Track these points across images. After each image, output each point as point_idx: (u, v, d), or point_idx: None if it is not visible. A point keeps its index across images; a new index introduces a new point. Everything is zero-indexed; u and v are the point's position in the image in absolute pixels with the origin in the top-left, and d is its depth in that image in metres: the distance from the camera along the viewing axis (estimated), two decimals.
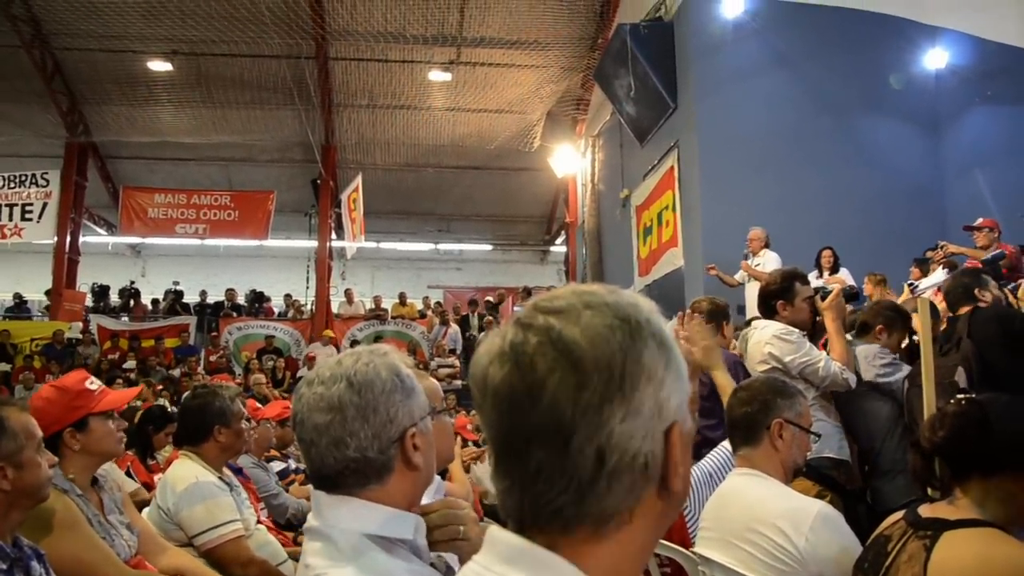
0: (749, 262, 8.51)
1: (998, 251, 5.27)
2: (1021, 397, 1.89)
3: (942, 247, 7.27)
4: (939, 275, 7.52)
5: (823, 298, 3.65)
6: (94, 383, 2.67)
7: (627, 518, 0.78)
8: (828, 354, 3.52)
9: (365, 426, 1.35)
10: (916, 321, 3.81)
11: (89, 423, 2.58)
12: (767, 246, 8.54)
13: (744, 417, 2.42)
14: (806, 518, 2.11)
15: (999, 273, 4.83)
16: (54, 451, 2.31)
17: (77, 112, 16.39)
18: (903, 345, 4.04)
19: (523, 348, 0.78)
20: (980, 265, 5.78)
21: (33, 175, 15.64)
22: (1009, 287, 4.61)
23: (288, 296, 18.00)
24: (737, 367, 4.02)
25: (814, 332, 3.85)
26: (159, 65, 15.04)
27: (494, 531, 0.82)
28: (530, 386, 0.76)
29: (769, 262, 8.22)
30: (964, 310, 3.66)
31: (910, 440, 2.04)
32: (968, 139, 9.88)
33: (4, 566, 1.92)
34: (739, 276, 8.79)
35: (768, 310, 3.71)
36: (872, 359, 3.76)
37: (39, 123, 16.27)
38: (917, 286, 7.03)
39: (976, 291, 3.70)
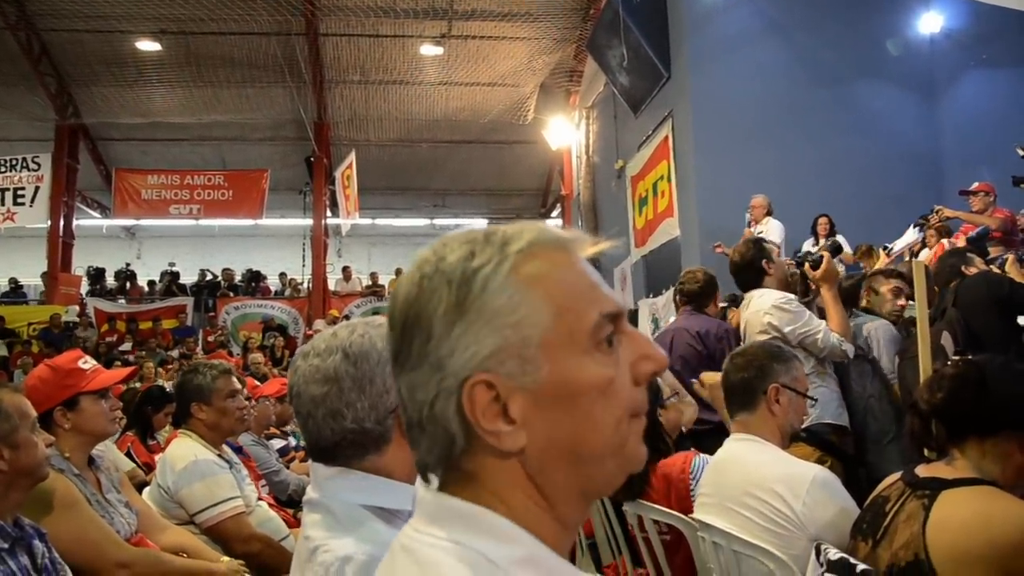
0: (751, 230, 8.50)
1: (982, 227, 5.29)
2: (1016, 358, 1.91)
3: (938, 211, 7.27)
4: (911, 234, 7.54)
5: (814, 265, 3.63)
6: (87, 362, 2.66)
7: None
8: (826, 324, 3.52)
9: (362, 397, 1.34)
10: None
11: (80, 402, 2.58)
12: (769, 214, 8.53)
13: (741, 383, 2.42)
14: (803, 482, 2.12)
15: (985, 250, 4.87)
16: (46, 430, 2.31)
17: (66, 94, 16.28)
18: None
19: None
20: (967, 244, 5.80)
21: (24, 159, 15.57)
22: (997, 262, 4.63)
23: (283, 275, 17.99)
24: (730, 336, 4.04)
25: (807, 292, 3.86)
26: (147, 45, 14.91)
27: (421, 492, 0.80)
28: None
29: (772, 230, 8.22)
30: (953, 284, 3.70)
31: (907, 403, 2.04)
32: (964, 103, 9.84)
33: (6, 545, 1.93)
34: (750, 237, 8.78)
35: (754, 275, 3.69)
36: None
37: (28, 106, 16.15)
38: (892, 249, 7.04)
39: (962, 268, 3.75)
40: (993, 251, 5.64)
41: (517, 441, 0.74)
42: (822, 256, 3.63)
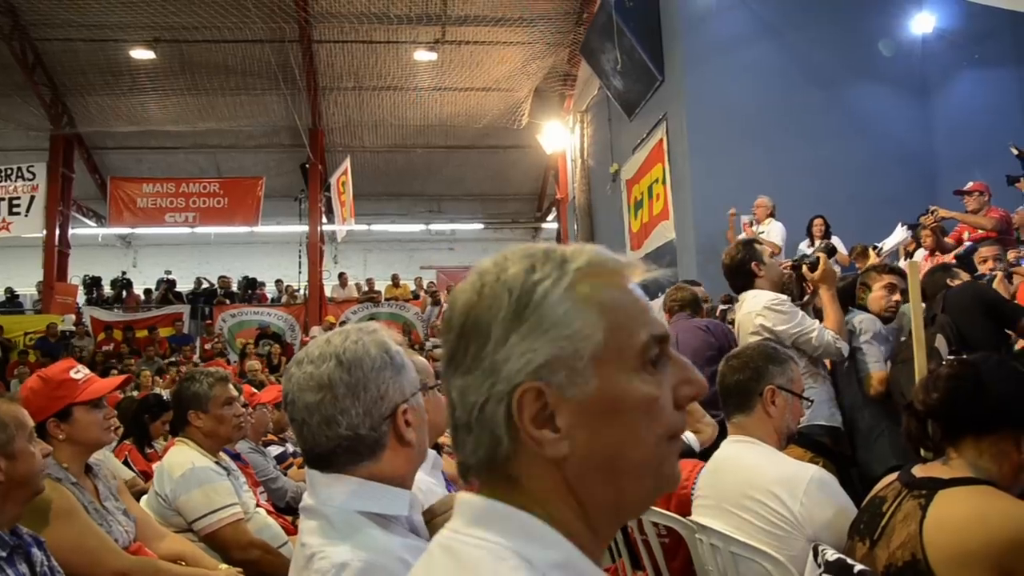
0: (753, 229, 8.53)
1: (969, 244, 5.33)
2: (1011, 358, 1.91)
3: (933, 212, 7.28)
4: (899, 233, 7.55)
5: (811, 268, 3.64)
6: (79, 372, 2.64)
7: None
8: (821, 323, 3.52)
9: (356, 403, 1.35)
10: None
11: (73, 412, 2.57)
12: (772, 215, 8.56)
13: (736, 385, 2.42)
14: (800, 483, 2.12)
15: (973, 267, 4.91)
16: (42, 440, 2.30)
17: (60, 104, 16.27)
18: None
19: None
20: (955, 261, 5.82)
21: (19, 168, 15.57)
22: (984, 279, 4.66)
23: (279, 282, 17.97)
24: (732, 334, 4.04)
25: (803, 294, 3.86)
26: (141, 53, 14.89)
27: (462, 496, 0.83)
28: None
29: (773, 231, 8.25)
30: (939, 296, 3.73)
31: (903, 404, 2.04)
32: (957, 103, 9.87)
33: (4, 553, 1.92)
34: (742, 238, 8.80)
35: (744, 278, 3.69)
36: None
37: (22, 116, 16.12)
38: (882, 248, 7.05)
39: (947, 280, 3.79)
40: (988, 251, 5.64)
41: (560, 449, 0.77)
42: (818, 258, 3.64)
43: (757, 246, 3.73)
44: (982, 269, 5.40)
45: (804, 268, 3.69)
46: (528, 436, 0.76)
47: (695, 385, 0.83)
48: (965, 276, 3.99)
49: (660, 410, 0.79)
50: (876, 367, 3.55)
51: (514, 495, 0.79)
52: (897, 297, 3.78)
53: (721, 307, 6.93)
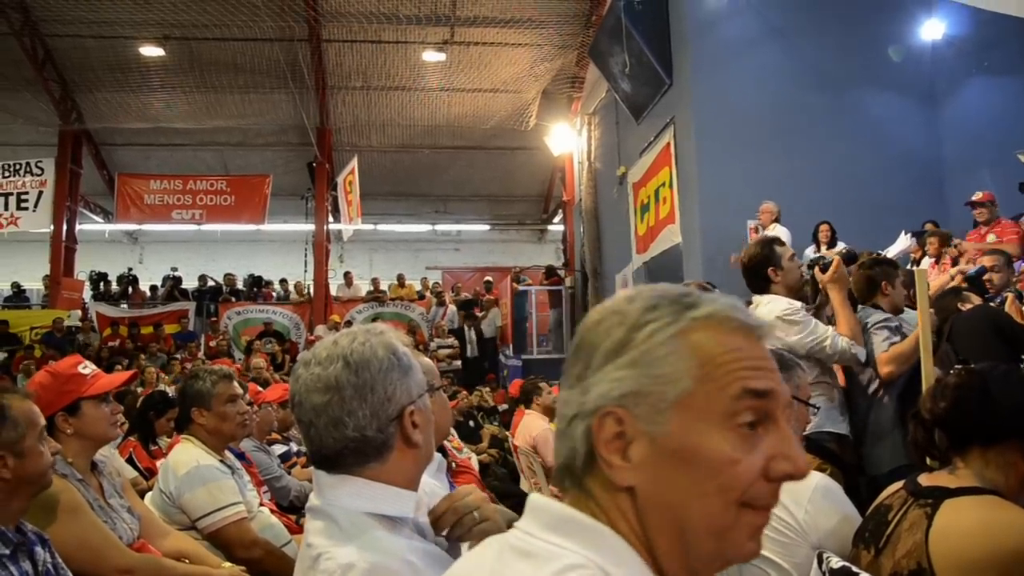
0: (759, 235, 8.52)
1: (980, 267, 5.27)
2: (1018, 367, 1.90)
3: (956, 245, 7.13)
4: (903, 240, 7.51)
5: (823, 269, 3.62)
6: (87, 367, 2.66)
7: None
8: (834, 328, 3.50)
9: (363, 405, 1.35)
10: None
11: (81, 407, 2.58)
12: (777, 220, 8.55)
13: None
14: (805, 490, 2.12)
15: (983, 288, 4.87)
16: (49, 435, 2.31)
17: (69, 99, 16.31)
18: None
19: None
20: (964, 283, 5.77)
21: (27, 164, 15.61)
22: (997, 300, 4.63)
23: (284, 281, 17.99)
24: None
25: (815, 298, 3.82)
26: (151, 50, 14.93)
27: (537, 499, 0.87)
28: None
29: (779, 236, 8.22)
30: (949, 320, 3.71)
31: (910, 412, 2.04)
32: (965, 110, 9.84)
33: (7, 551, 1.93)
34: (762, 237, 8.79)
35: (761, 281, 3.66)
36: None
37: (32, 111, 16.17)
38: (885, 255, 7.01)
39: (958, 305, 3.76)
40: (989, 260, 5.61)
41: (626, 478, 0.81)
42: (833, 260, 3.62)
43: (777, 248, 3.67)
44: (995, 279, 5.34)
45: (816, 270, 3.67)
46: (600, 456, 0.81)
47: (793, 463, 0.81)
48: (976, 300, 3.96)
49: (737, 473, 0.79)
50: (882, 348, 3.52)
51: (588, 507, 0.83)
52: (904, 291, 3.76)
53: None
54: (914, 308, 3.54)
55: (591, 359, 0.84)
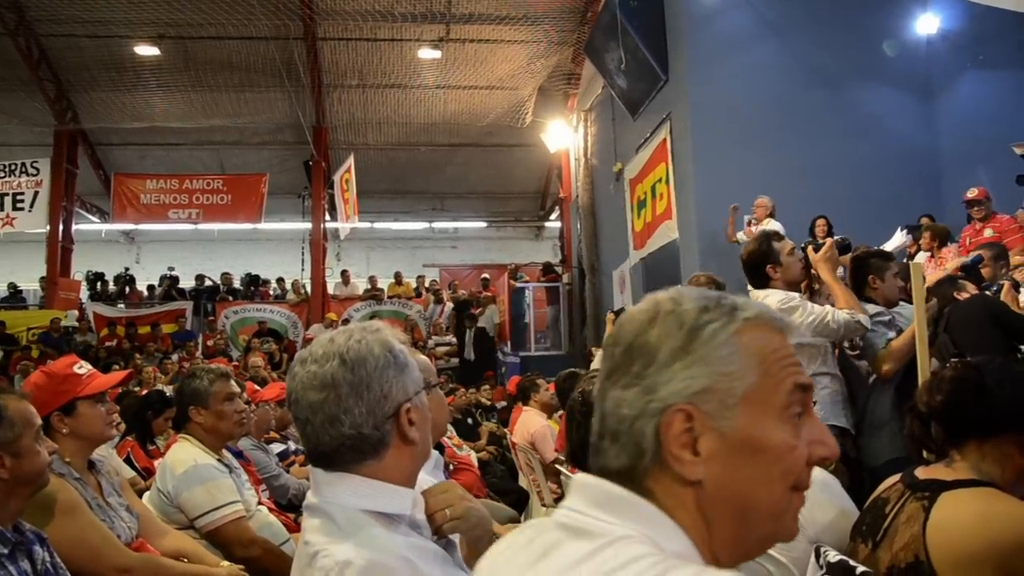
0: (753, 229, 8.52)
1: (976, 255, 5.26)
2: (1015, 361, 1.90)
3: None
4: (899, 237, 7.52)
5: (816, 249, 3.62)
6: (83, 367, 2.66)
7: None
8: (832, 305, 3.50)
9: (359, 403, 1.35)
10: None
11: (77, 407, 2.58)
12: (772, 215, 8.55)
13: None
14: None
15: (979, 277, 4.86)
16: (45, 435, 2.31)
17: (65, 99, 16.27)
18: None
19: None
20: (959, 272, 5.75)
21: (23, 164, 15.56)
22: (992, 288, 4.62)
23: (281, 280, 17.98)
24: None
25: (811, 285, 3.82)
26: (146, 50, 14.88)
27: (583, 478, 0.90)
28: None
29: (778, 231, 8.22)
30: (946, 310, 3.71)
31: (907, 405, 2.04)
32: (961, 104, 9.84)
33: (5, 550, 1.92)
34: (740, 236, 8.80)
35: (760, 278, 3.67)
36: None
37: (27, 111, 16.13)
38: None
39: (955, 294, 3.77)
40: (986, 252, 5.61)
41: (696, 472, 0.84)
42: (825, 242, 3.63)
43: (776, 244, 3.67)
44: (984, 273, 5.34)
45: (809, 248, 3.66)
46: (670, 453, 0.84)
47: (828, 447, 0.90)
48: (972, 289, 3.97)
49: (795, 460, 0.87)
50: (879, 345, 3.52)
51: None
52: (902, 283, 3.76)
53: None
54: (909, 302, 3.55)
55: (652, 359, 0.86)
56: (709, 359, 0.85)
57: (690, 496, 0.85)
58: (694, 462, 0.84)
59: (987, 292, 4.44)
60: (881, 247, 6.68)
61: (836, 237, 3.97)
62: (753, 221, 8.65)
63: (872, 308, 3.62)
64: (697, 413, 0.84)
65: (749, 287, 3.73)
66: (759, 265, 3.64)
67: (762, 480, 0.85)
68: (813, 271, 3.71)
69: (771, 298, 3.54)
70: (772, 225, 8.36)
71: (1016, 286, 4.50)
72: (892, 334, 3.54)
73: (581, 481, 0.89)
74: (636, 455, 0.86)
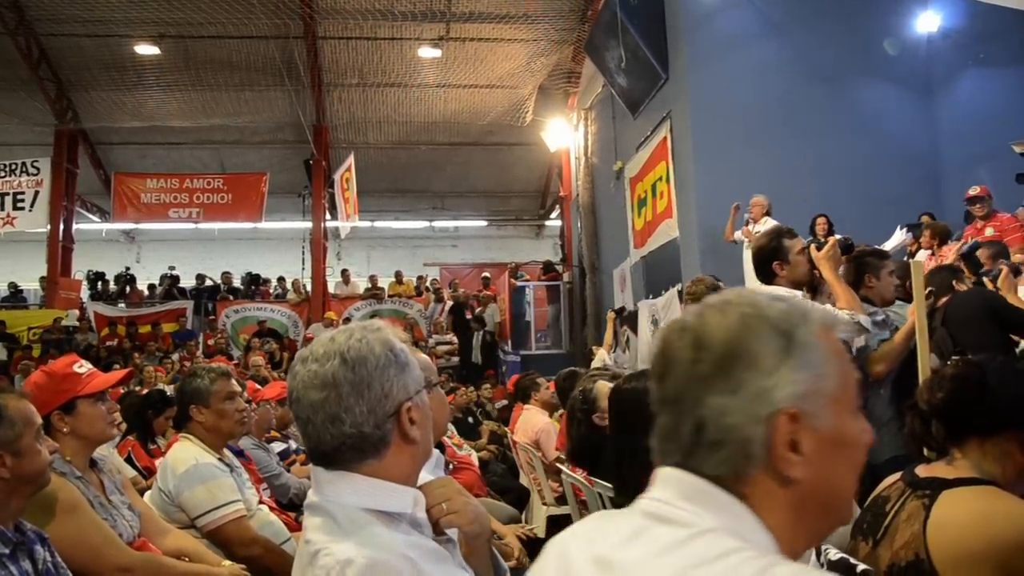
0: (750, 228, 8.50)
1: (973, 241, 5.25)
2: (1016, 359, 1.90)
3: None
4: (899, 235, 7.52)
5: (819, 247, 3.62)
6: (83, 366, 2.66)
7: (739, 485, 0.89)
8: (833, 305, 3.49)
9: (360, 402, 1.35)
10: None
11: (77, 406, 2.58)
12: (768, 214, 8.53)
13: None
14: None
15: (977, 263, 4.85)
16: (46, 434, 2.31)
17: (65, 99, 16.27)
18: None
19: (667, 334, 0.97)
20: (960, 260, 5.74)
21: (23, 164, 15.55)
22: (991, 274, 4.60)
23: (281, 279, 17.98)
24: None
25: (818, 285, 3.81)
26: (146, 49, 14.88)
27: (670, 471, 0.92)
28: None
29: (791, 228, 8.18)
30: (943, 300, 3.70)
31: (907, 403, 2.04)
32: (961, 102, 9.84)
33: (7, 550, 1.92)
34: (737, 235, 8.79)
35: (766, 274, 3.66)
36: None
37: (27, 111, 16.13)
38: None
39: (953, 283, 3.76)
40: (985, 252, 5.61)
41: (800, 471, 0.88)
42: (828, 240, 3.62)
43: (786, 241, 3.64)
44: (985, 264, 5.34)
45: (812, 247, 3.66)
46: (778, 455, 0.87)
47: (870, 434, 0.95)
48: (970, 281, 3.97)
49: (864, 450, 0.93)
50: (872, 345, 3.51)
51: None
52: (897, 281, 3.75)
53: None
54: (904, 300, 3.55)
55: (754, 364, 0.88)
56: (808, 362, 0.89)
57: (786, 496, 0.88)
58: (798, 462, 0.87)
59: (985, 277, 4.42)
60: (881, 246, 6.69)
61: (838, 236, 3.96)
62: (750, 220, 8.63)
63: (867, 308, 3.61)
64: (801, 415, 0.87)
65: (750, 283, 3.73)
66: (766, 260, 3.63)
67: (846, 472, 0.91)
68: (816, 269, 3.71)
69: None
70: (769, 224, 8.34)
71: (1015, 271, 4.47)
72: (886, 334, 3.54)
73: (669, 474, 0.92)
74: (742, 462, 0.88)
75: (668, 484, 0.91)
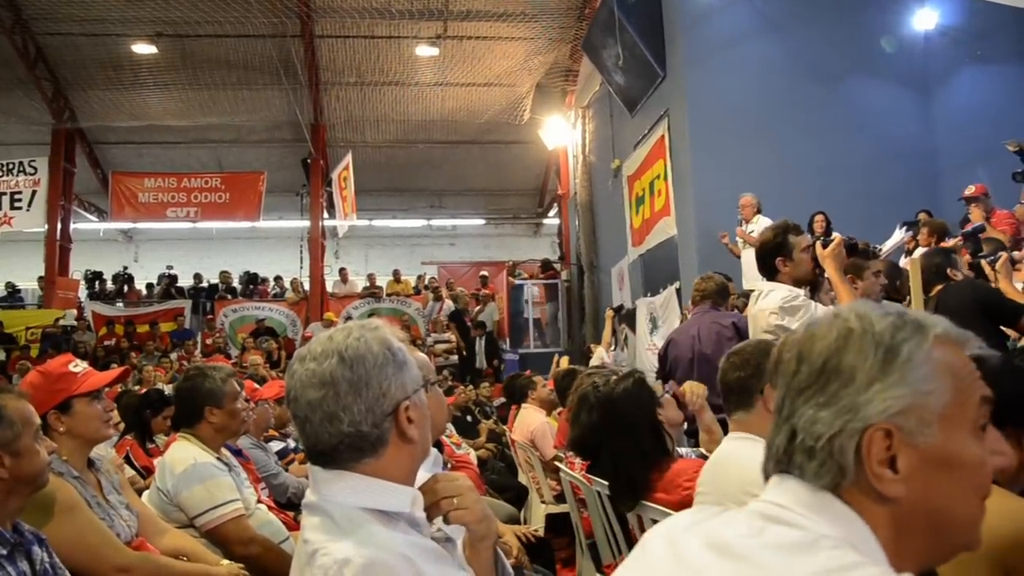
0: (743, 228, 8.49)
1: (978, 224, 5.23)
2: (1015, 356, 1.90)
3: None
4: (898, 234, 7.53)
5: (824, 245, 3.62)
6: (78, 366, 2.65)
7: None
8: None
9: (358, 400, 1.35)
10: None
11: (73, 405, 2.57)
12: (759, 212, 8.52)
13: (737, 382, 2.42)
14: None
15: (979, 246, 4.83)
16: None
17: (62, 98, 16.25)
18: None
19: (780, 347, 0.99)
20: (962, 241, 5.72)
21: (21, 163, 15.52)
22: (989, 259, 4.59)
23: (279, 278, 17.96)
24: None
25: (818, 282, 3.81)
26: (143, 48, 14.86)
27: (783, 478, 0.93)
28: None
29: (763, 228, 8.16)
30: (937, 289, 3.69)
31: None
32: (958, 100, 9.85)
33: (4, 551, 1.92)
34: (780, 223, 8.75)
35: (768, 269, 3.65)
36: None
37: (24, 110, 16.11)
38: (881, 249, 7.01)
39: (948, 271, 3.76)
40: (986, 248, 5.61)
41: (896, 490, 0.87)
42: (834, 239, 3.63)
43: (792, 238, 3.66)
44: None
45: (818, 244, 3.66)
46: (871, 472, 0.86)
47: (1005, 456, 0.96)
48: (965, 266, 3.95)
49: (986, 474, 0.91)
50: None
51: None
52: (884, 281, 3.75)
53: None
54: (890, 299, 3.54)
55: (850, 380, 0.88)
56: (908, 379, 0.87)
57: (885, 513, 0.87)
58: (894, 480, 0.86)
59: (984, 261, 4.39)
60: (881, 245, 6.70)
61: (843, 236, 3.96)
62: (742, 221, 8.59)
63: None
64: (896, 431, 0.86)
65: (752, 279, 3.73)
66: (770, 255, 3.63)
67: (959, 495, 0.89)
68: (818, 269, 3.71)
69: (776, 293, 3.53)
70: (761, 222, 8.33)
71: (1014, 259, 4.44)
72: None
73: (783, 481, 0.93)
74: (839, 473, 0.88)
75: (784, 489, 0.91)
